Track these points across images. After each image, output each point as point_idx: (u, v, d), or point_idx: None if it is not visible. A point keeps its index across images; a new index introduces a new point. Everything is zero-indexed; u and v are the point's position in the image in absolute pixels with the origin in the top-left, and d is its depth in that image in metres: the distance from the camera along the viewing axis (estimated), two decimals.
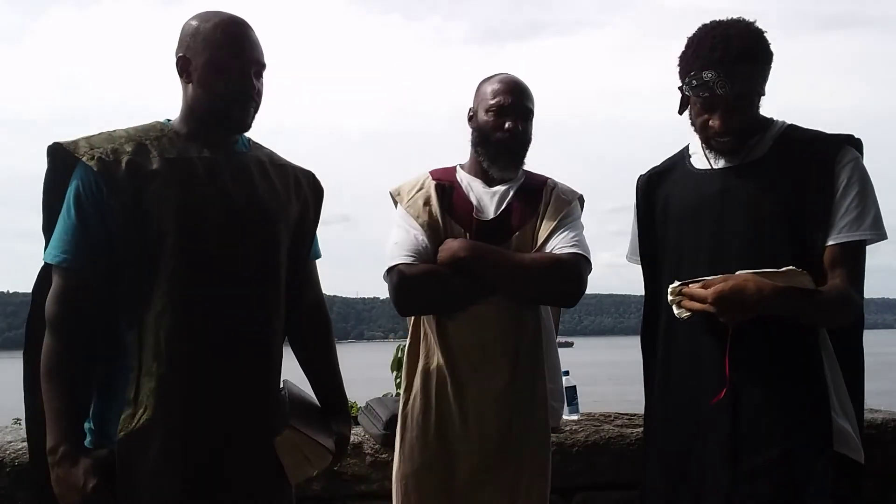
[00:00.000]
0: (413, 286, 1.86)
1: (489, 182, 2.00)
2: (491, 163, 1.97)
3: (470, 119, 2.03)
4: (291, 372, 1.76)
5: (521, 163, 2.01)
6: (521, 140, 1.96)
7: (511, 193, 1.98)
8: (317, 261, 1.84)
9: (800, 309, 1.56)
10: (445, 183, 2.00)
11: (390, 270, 1.87)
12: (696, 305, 1.59)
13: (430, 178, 2.02)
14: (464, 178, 2.03)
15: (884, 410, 2.66)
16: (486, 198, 1.98)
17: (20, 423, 3.13)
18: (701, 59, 1.64)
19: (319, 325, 1.83)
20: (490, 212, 1.96)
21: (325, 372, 1.82)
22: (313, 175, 1.79)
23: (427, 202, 1.96)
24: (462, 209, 1.96)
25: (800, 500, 1.55)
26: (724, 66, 1.60)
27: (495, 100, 1.94)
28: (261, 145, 1.74)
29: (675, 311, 1.64)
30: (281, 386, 1.69)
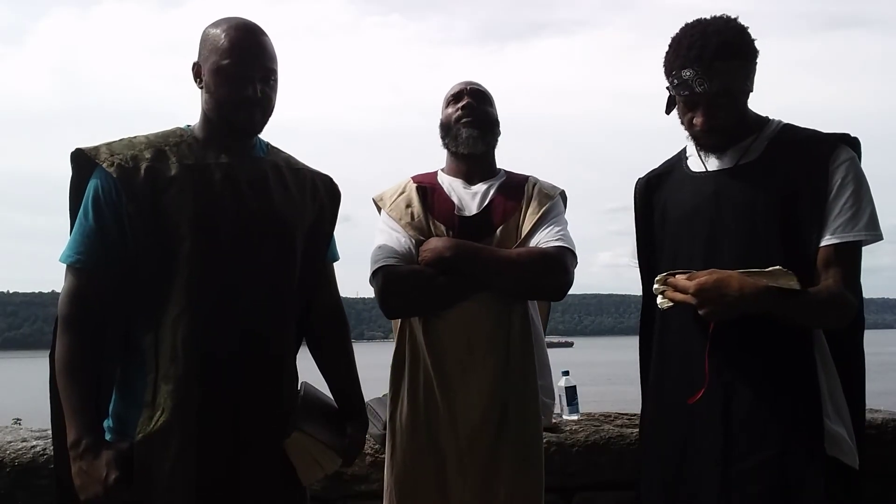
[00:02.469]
0: (398, 288, 1.87)
1: (470, 181, 2.04)
2: (456, 142, 2.01)
3: (440, 129, 2.08)
4: (313, 373, 1.77)
5: (487, 139, 2.03)
6: (478, 114, 2.01)
7: (493, 190, 2.02)
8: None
9: (783, 309, 1.55)
10: (427, 185, 2.04)
11: (375, 274, 1.89)
12: (679, 296, 1.60)
13: (412, 181, 2.06)
14: (444, 179, 2.07)
15: (884, 410, 2.66)
16: (468, 196, 2.02)
17: (20, 423, 3.14)
18: (680, 58, 1.65)
19: (336, 328, 1.84)
20: (472, 208, 1.99)
21: (341, 374, 1.83)
22: (331, 179, 1.82)
23: (409, 204, 1.99)
24: (444, 208, 1.98)
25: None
26: (702, 63, 1.61)
27: (450, 94, 2.07)
28: (279, 150, 1.77)
29: (659, 300, 1.66)
30: (298, 388, 1.70)
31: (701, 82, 1.61)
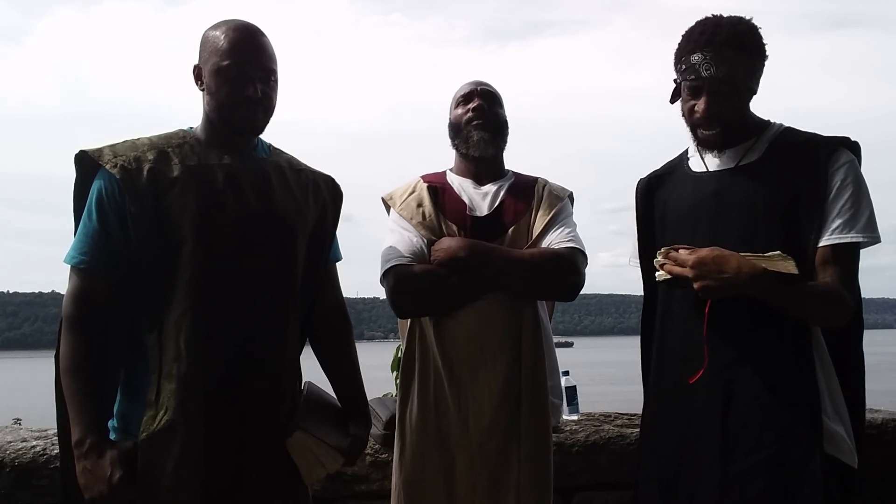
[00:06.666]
0: (411, 287, 1.87)
1: (479, 181, 2.04)
2: (467, 145, 2.01)
3: (449, 129, 2.08)
4: (316, 372, 1.77)
5: (497, 142, 2.04)
6: (489, 117, 2.01)
7: (503, 191, 2.02)
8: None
9: (778, 296, 1.56)
10: (437, 185, 2.04)
11: (387, 273, 1.89)
12: (677, 269, 1.61)
13: (422, 181, 2.06)
14: (454, 179, 2.07)
15: (884, 410, 2.66)
16: (478, 196, 2.02)
17: (20, 423, 3.15)
18: (691, 43, 1.68)
19: (339, 327, 1.85)
20: (483, 209, 1.99)
21: (344, 373, 1.83)
22: (333, 179, 1.83)
23: (420, 204, 1.99)
24: (455, 208, 1.98)
25: (790, 503, 1.55)
26: (712, 48, 1.64)
27: (460, 94, 2.07)
28: (281, 151, 1.78)
29: (657, 274, 1.68)
30: (302, 387, 1.71)
31: (708, 67, 1.64)
